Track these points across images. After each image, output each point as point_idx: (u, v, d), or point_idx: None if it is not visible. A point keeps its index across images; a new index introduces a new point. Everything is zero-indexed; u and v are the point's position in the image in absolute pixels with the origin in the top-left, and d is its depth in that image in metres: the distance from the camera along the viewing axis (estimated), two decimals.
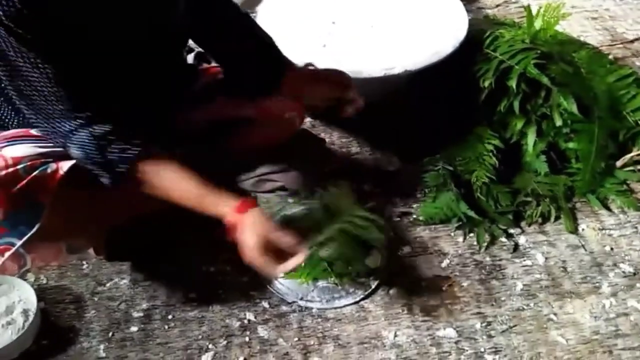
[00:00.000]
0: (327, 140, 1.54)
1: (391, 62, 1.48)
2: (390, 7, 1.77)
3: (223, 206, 0.91)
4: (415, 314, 1.16)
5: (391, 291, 1.20)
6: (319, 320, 1.14)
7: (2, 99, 0.95)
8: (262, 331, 1.11)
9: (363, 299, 1.17)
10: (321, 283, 1.18)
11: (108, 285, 1.17)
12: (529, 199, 1.37)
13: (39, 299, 1.12)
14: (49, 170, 0.89)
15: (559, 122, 1.39)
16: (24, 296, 1.07)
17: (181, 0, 1.02)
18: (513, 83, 1.38)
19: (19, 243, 0.87)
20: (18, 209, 0.86)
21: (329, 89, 1.11)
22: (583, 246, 1.30)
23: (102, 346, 1.07)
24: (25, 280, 1.14)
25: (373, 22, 1.70)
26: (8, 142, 0.91)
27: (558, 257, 1.28)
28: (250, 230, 0.88)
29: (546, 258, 1.28)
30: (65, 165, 0.91)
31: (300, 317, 1.14)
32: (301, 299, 1.16)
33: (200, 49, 1.66)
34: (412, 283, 1.21)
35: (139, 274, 1.19)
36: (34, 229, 0.87)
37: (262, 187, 1.36)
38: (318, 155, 1.41)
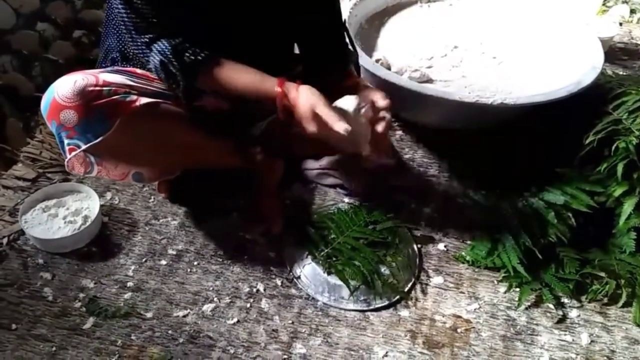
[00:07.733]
0: (408, 156, 1.52)
1: (493, 92, 1.42)
2: (523, 39, 1.69)
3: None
4: (416, 344, 1.10)
5: (401, 313, 1.15)
6: (320, 313, 1.15)
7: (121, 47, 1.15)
8: (264, 304, 1.16)
9: (371, 310, 1.16)
10: (335, 280, 1.19)
11: (161, 221, 1.32)
12: (601, 273, 1.21)
13: (106, 215, 1.32)
14: (127, 99, 1.05)
15: None
16: (91, 206, 1.27)
17: None
18: (623, 144, 1.23)
19: (83, 147, 1.03)
20: (90, 120, 1.01)
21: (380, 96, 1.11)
22: None
23: (133, 267, 1.21)
24: (102, 196, 1.35)
25: (498, 52, 1.64)
26: (112, 71, 1.10)
27: (607, 345, 1.11)
28: (305, 95, 1.00)
29: (592, 341, 1.12)
30: (143, 100, 1.07)
31: (304, 304, 1.16)
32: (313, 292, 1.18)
33: None
34: (427, 313, 1.16)
35: (188, 220, 1.32)
36: (98, 140, 1.02)
37: (324, 180, 1.41)
38: (386, 167, 1.41)
